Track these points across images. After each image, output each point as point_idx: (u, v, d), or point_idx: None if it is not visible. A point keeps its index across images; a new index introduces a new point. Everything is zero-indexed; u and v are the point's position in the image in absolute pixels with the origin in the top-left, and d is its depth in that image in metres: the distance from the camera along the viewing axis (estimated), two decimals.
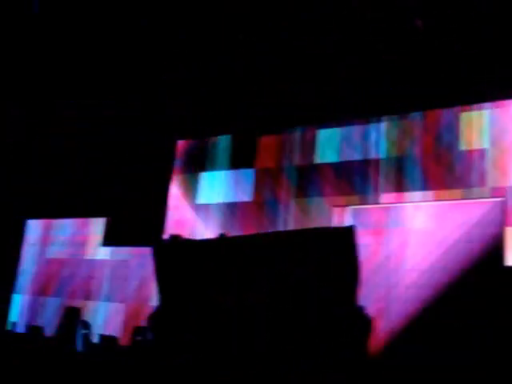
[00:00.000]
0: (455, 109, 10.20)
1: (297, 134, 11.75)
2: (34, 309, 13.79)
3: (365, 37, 11.65)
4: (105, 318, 12.41)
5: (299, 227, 10.50)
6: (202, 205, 12.51)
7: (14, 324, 12.42)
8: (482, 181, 9.52)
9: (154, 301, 11.74)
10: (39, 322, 13.23)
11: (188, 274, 5.37)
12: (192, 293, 5.18)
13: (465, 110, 10.10)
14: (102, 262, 13.06)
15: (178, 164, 13.32)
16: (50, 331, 12.34)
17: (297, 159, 11.62)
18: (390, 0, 11.07)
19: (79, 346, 9.64)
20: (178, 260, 5.42)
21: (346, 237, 5.21)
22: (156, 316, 5.29)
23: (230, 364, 5.02)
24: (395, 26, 11.34)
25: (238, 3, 12.22)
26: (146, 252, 12.39)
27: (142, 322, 11.51)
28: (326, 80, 11.50)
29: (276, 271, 5.16)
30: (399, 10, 11.13)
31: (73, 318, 9.67)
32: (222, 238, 6.31)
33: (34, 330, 12.59)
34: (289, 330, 4.96)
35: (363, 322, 5.08)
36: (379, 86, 11.05)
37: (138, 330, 11.49)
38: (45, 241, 14.34)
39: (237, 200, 12.03)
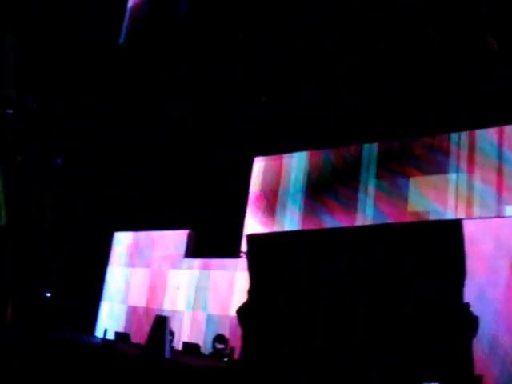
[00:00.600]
0: None
1: None
2: (121, 316, 14.46)
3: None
4: (188, 327, 12.93)
5: None
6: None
7: (103, 331, 13.02)
8: None
9: (233, 310, 12.23)
10: (126, 329, 13.94)
11: (281, 265, 5.59)
12: (284, 283, 5.40)
13: None
14: (185, 272, 13.55)
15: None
16: (137, 338, 12.98)
17: None
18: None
19: (167, 352, 10.09)
20: (271, 250, 5.66)
21: (454, 230, 5.19)
22: (246, 308, 5.59)
23: (323, 356, 5.10)
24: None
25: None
26: (227, 263, 13.16)
27: (223, 331, 12.03)
28: None
29: (371, 263, 5.20)
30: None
31: (161, 327, 10.14)
32: (315, 230, 6.37)
33: (121, 337, 13.15)
34: (384, 323, 5.01)
35: (468, 320, 4.95)
36: None
37: (219, 338, 11.98)
38: (131, 252, 15.05)
39: None
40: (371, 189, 11.69)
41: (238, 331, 11.61)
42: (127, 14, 16.17)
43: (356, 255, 5.53)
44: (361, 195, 11.77)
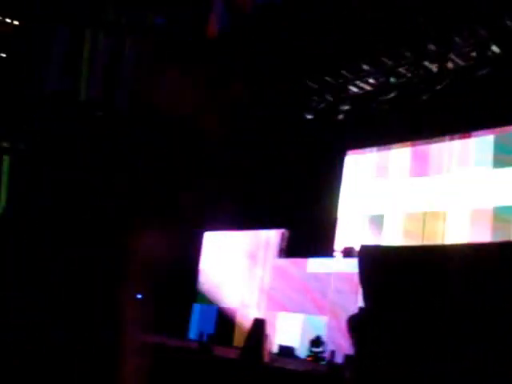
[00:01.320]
0: None
1: None
2: (211, 318, 14.25)
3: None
4: (285, 329, 12.61)
5: None
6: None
7: (198, 333, 12.88)
8: None
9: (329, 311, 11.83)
10: (219, 331, 13.69)
11: (396, 280, 5.17)
12: (400, 300, 5.00)
13: None
14: (280, 273, 13.23)
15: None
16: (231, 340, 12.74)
17: None
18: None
19: (266, 356, 9.80)
20: (386, 265, 5.25)
21: None
22: (358, 319, 5.19)
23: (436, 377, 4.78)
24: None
25: None
26: (322, 263, 12.75)
27: (318, 334, 11.64)
28: None
29: (496, 285, 4.84)
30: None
31: (260, 330, 9.86)
32: (433, 247, 6.09)
33: (212, 339, 12.94)
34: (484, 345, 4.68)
35: None
36: None
37: (315, 342, 11.60)
38: (221, 252, 14.82)
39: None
40: None
41: (335, 334, 11.24)
42: None
43: (480, 274, 5.04)
44: None
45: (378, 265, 5.19)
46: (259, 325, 9.86)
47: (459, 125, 11.55)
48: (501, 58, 11.01)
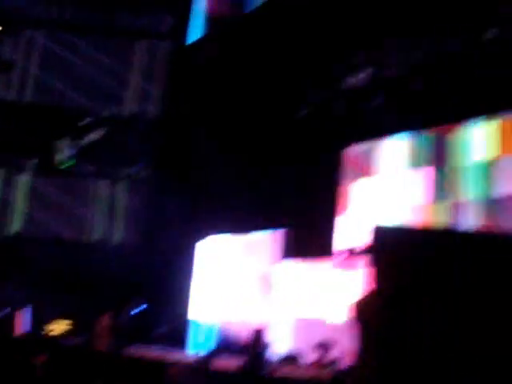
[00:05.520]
0: None
1: None
2: (210, 330, 13.79)
3: None
4: (289, 335, 12.17)
5: None
6: None
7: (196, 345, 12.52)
8: None
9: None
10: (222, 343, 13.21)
11: (411, 263, 4.76)
12: (415, 285, 4.57)
13: None
14: (283, 275, 12.80)
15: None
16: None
17: None
18: None
19: (266, 365, 9.41)
20: (400, 246, 4.83)
21: None
22: (364, 303, 4.76)
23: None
24: None
25: None
26: (324, 264, 12.30)
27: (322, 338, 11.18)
28: None
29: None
30: None
31: (259, 339, 9.44)
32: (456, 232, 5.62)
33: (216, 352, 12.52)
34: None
35: None
36: None
37: (321, 347, 11.15)
38: (216, 260, 14.33)
39: None
40: None
41: (338, 337, 10.75)
42: None
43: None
44: None
45: (400, 248, 4.81)
46: (259, 334, 9.47)
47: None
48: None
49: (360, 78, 12.83)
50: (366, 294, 4.61)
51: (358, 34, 12.41)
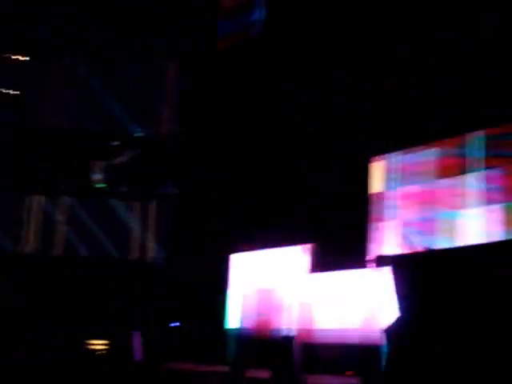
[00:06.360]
0: None
1: None
2: (243, 340, 13.84)
3: None
4: (321, 344, 12.14)
5: None
6: None
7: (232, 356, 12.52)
8: None
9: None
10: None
11: (440, 286, 4.70)
12: (443, 308, 4.52)
13: None
14: (311, 288, 12.80)
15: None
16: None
17: None
18: None
19: (296, 374, 9.45)
20: (427, 272, 4.79)
21: None
22: (394, 328, 4.77)
23: None
24: None
25: None
26: (353, 276, 12.28)
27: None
28: None
29: None
30: None
31: (289, 347, 9.50)
32: (478, 246, 5.51)
33: (244, 362, 12.56)
34: None
35: None
36: None
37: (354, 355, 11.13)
38: (250, 272, 14.43)
39: None
40: None
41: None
42: None
43: None
44: None
45: (420, 273, 4.76)
46: (289, 342, 9.51)
47: None
48: None
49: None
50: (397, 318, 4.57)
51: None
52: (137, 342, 12.39)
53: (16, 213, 17.30)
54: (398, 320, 4.60)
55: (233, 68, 16.00)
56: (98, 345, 14.61)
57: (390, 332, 4.74)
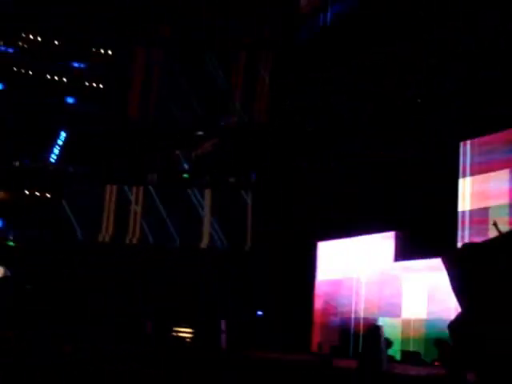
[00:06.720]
0: None
1: None
2: (332, 329, 13.73)
3: None
4: (408, 334, 11.93)
5: None
6: None
7: (318, 345, 12.47)
8: None
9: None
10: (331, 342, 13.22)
11: (493, 277, 4.49)
12: (501, 296, 4.30)
13: None
14: (395, 277, 12.57)
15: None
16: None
17: None
18: None
19: (384, 364, 9.21)
20: (477, 264, 4.58)
21: None
22: (458, 324, 4.59)
23: None
24: None
25: None
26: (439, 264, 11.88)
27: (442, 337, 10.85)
28: None
29: None
30: None
31: (376, 336, 9.29)
32: None
33: (335, 350, 12.49)
34: None
35: None
36: None
37: (438, 344, 10.84)
38: (332, 261, 14.30)
39: None
40: None
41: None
42: None
43: None
44: None
45: (469, 267, 4.56)
46: (375, 331, 9.30)
47: None
48: None
49: None
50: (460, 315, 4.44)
51: None
52: (223, 329, 12.48)
53: (96, 201, 17.80)
54: (460, 316, 4.45)
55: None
56: (186, 332, 14.83)
57: (454, 328, 4.57)
